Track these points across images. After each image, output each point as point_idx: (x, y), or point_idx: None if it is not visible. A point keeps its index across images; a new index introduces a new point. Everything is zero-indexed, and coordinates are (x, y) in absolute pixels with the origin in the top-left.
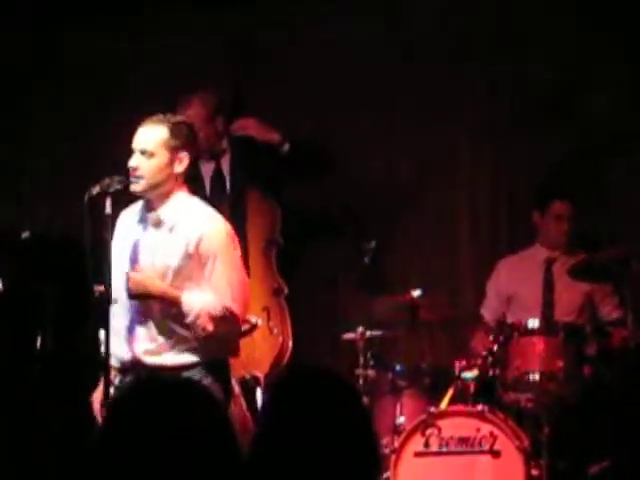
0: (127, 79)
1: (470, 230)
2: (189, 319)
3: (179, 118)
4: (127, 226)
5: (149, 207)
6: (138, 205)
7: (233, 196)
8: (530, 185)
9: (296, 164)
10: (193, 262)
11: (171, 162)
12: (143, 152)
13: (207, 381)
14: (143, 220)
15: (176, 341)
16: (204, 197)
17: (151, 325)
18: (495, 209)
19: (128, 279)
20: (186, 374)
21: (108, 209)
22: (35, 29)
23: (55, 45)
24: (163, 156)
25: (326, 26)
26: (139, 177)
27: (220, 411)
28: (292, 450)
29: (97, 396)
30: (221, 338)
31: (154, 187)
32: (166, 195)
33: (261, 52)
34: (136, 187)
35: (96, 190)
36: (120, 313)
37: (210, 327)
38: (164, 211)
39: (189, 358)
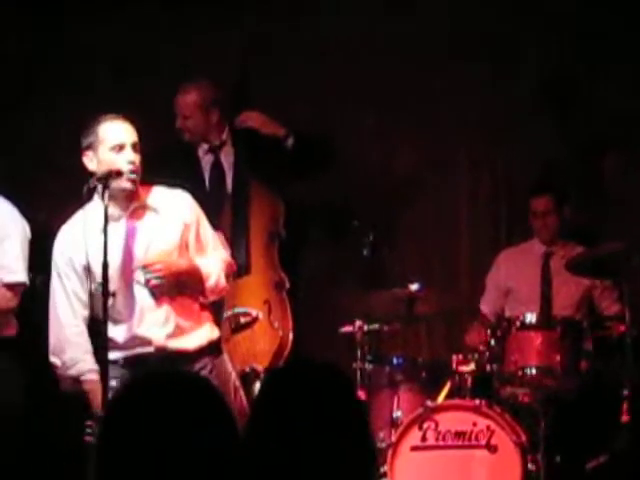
0: (126, 76)
1: (468, 225)
2: (210, 282)
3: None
4: (90, 230)
5: (127, 201)
6: (87, 213)
7: (236, 189)
8: (529, 181)
9: (300, 158)
10: (186, 232)
11: None
12: (134, 145)
13: (217, 368)
14: (116, 215)
15: (190, 319)
16: (203, 190)
17: (164, 308)
18: (494, 204)
19: (153, 269)
20: (197, 365)
21: (106, 200)
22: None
23: (54, 45)
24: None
25: (327, 19)
26: (135, 172)
27: (222, 405)
28: (286, 442)
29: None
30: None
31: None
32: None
33: (262, 45)
34: (132, 185)
35: (94, 182)
36: (122, 305)
37: (225, 283)
38: (147, 199)
39: (201, 339)
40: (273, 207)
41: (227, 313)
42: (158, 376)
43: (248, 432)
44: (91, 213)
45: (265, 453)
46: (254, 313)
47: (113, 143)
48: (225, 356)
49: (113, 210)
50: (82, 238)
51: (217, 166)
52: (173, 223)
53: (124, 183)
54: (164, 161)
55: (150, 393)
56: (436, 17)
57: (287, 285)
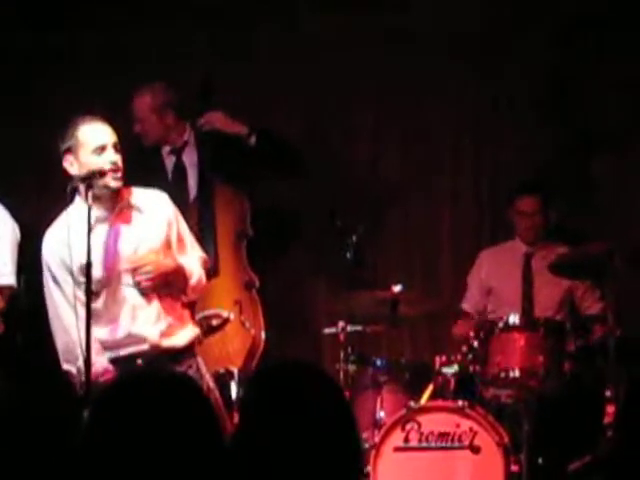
0: (111, 71)
1: (452, 227)
2: (193, 280)
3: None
4: (76, 232)
5: (112, 201)
6: (70, 215)
7: (200, 190)
8: (514, 182)
9: (264, 156)
10: (169, 231)
11: None
12: (115, 146)
13: (202, 368)
14: (102, 216)
15: (176, 318)
16: (167, 189)
17: (154, 305)
18: (477, 207)
19: (144, 270)
20: (182, 366)
21: (90, 201)
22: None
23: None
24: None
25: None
26: (118, 171)
27: (207, 406)
28: (273, 443)
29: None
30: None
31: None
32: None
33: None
34: (118, 183)
35: (76, 183)
36: (110, 303)
37: (205, 281)
38: (131, 199)
39: (188, 338)
40: (239, 206)
41: (198, 315)
42: (143, 376)
43: (236, 432)
44: (75, 215)
45: (253, 453)
46: (225, 314)
47: (94, 145)
48: (199, 357)
49: (98, 211)
50: (69, 240)
51: (179, 167)
52: (158, 222)
53: (110, 182)
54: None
55: (135, 393)
56: (423, 15)
57: (257, 284)
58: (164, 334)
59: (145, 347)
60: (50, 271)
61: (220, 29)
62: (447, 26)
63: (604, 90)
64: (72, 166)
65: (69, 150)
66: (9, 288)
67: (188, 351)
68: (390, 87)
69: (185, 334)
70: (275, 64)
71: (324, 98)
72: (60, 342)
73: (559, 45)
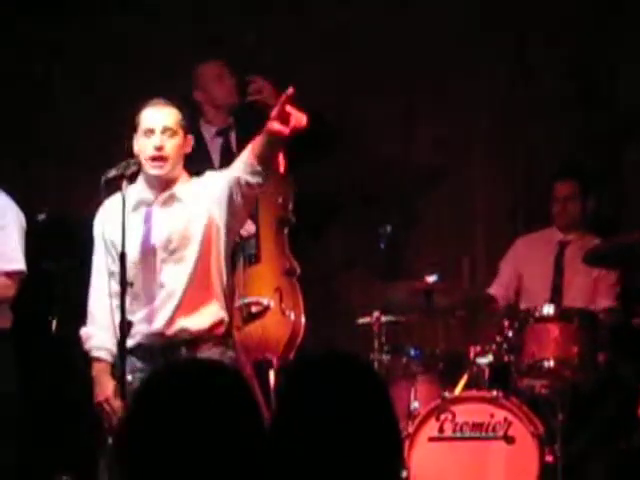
0: (140, 55)
1: (486, 215)
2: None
3: (177, 102)
4: (116, 214)
5: (157, 188)
6: (118, 197)
7: None
8: (548, 168)
9: (304, 137)
10: (210, 227)
11: (184, 142)
12: (165, 130)
13: (226, 361)
14: (145, 202)
15: (200, 305)
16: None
17: (175, 296)
18: (512, 194)
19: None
20: (215, 350)
21: (125, 191)
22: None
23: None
24: (181, 135)
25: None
26: (164, 158)
27: (249, 394)
28: (313, 433)
29: (109, 394)
30: None
31: (173, 168)
32: (177, 176)
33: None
34: (161, 170)
35: (112, 173)
36: (140, 295)
37: None
38: (177, 189)
39: (209, 320)
40: (282, 193)
41: (238, 303)
42: (185, 364)
43: (275, 422)
44: (131, 194)
45: (293, 443)
46: (265, 302)
47: (144, 127)
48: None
49: (146, 195)
50: (117, 216)
51: (227, 149)
52: (198, 216)
53: (149, 169)
54: None
55: (177, 381)
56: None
57: (298, 272)
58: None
59: (158, 337)
60: (94, 237)
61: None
62: (482, 10)
63: (637, 74)
64: (135, 145)
65: (134, 129)
66: (21, 273)
67: (209, 339)
68: (421, 71)
69: (206, 320)
70: (304, 45)
71: (354, 80)
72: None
73: (594, 28)
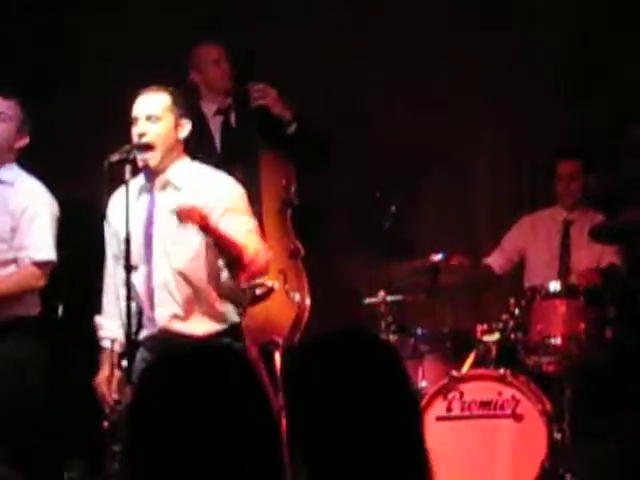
0: (142, 46)
1: (490, 196)
2: (250, 252)
3: (174, 88)
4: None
5: (153, 175)
6: (133, 182)
7: (245, 155)
8: (551, 150)
9: (300, 146)
10: (214, 216)
11: (175, 127)
12: (149, 117)
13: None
14: (146, 189)
15: (200, 304)
16: (215, 154)
17: (172, 288)
18: (516, 175)
19: (186, 210)
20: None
21: (127, 176)
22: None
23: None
24: (169, 120)
25: None
26: (150, 146)
27: (254, 377)
28: (324, 415)
29: (102, 378)
30: (238, 294)
31: (163, 154)
32: (171, 161)
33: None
34: (152, 161)
35: (116, 157)
36: (140, 281)
37: (263, 263)
38: (171, 175)
39: (215, 326)
40: (284, 173)
41: (242, 285)
42: (190, 348)
43: (287, 404)
44: (135, 182)
45: (307, 425)
46: (269, 284)
47: (132, 116)
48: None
49: (146, 182)
50: (122, 205)
51: (228, 128)
52: (195, 202)
53: (139, 157)
54: None
55: (182, 366)
56: None
57: (302, 253)
58: (178, 318)
59: (152, 329)
60: (105, 229)
61: None
62: None
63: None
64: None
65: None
66: (50, 263)
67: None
68: (426, 58)
69: (207, 326)
70: (310, 32)
71: (361, 66)
72: None
73: (594, 14)
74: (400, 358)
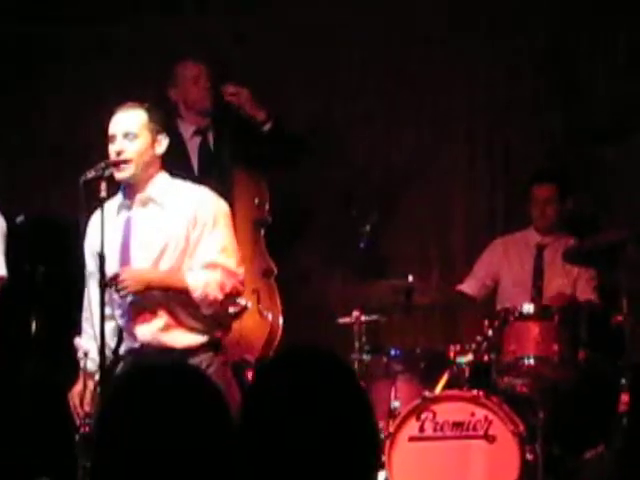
0: (124, 59)
1: (465, 216)
2: (197, 294)
3: (151, 104)
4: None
5: (132, 192)
6: (106, 206)
7: (219, 175)
8: (528, 169)
9: (276, 144)
10: (194, 234)
11: (152, 144)
12: (126, 135)
13: (215, 365)
14: (125, 206)
15: (179, 318)
16: (192, 175)
17: (151, 303)
18: (491, 195)
19: (121, 279)
20: (195, 360)
21: (103, 193)
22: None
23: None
24: (146, 137)
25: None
26: (126, 161)
27: (217, 397)
28: (284, 432)
29: (75, 392)
30: (220, 313)
31: (140, 171)
32: (149, 177)
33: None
34: (124, 174)
35: (91, 174)
36: (117, 297)
37: (220, 295)
38: (151, 191)
39: (195, 338)
40: (258, 194)
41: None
42: (153, 369)
43: (243, 423)
44: (114, 200)
45: (263, 444)
46: (243, 302)
47: (109, 134)
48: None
49: (124, 200)
50: (98, 225)
51: (206, 149)
52: (173, 219)
53: (115, 173)
54: None
55: (146, 386)
56: None
57: (275, 272)
58: (160, 330)
59: (133, 343)
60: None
61: None
62: (460, 2)
63: (616, 74)
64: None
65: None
66: (1, 279)
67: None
68: (402, 72)
69: (188, 339)
70: (287, 46)
71: (335, 82)
72: None
73: (571, 29)
74: (355, 375)
